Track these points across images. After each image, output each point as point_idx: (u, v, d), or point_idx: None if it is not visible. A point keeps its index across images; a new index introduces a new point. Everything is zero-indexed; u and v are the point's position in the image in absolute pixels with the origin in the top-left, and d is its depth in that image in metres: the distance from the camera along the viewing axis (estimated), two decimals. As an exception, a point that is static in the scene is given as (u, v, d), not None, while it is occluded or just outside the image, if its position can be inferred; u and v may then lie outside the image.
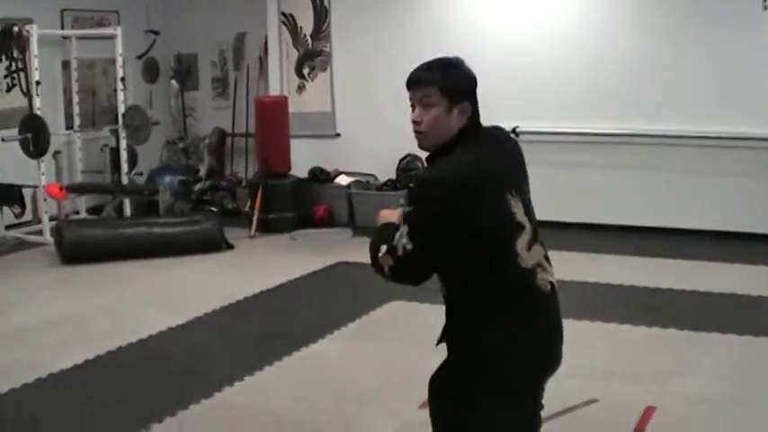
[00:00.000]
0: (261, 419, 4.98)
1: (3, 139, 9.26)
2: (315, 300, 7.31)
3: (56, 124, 10.16)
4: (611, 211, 9.42)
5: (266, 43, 11.18)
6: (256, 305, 7.28)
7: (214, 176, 11.49)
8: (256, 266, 8.55)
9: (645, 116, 9.12)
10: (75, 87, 10.56)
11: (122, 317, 6.94)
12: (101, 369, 5.81)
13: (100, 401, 5.27)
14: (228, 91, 12.03)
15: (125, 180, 10.44)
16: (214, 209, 10.49)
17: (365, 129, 10.32)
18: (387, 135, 9.71)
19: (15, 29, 9.46)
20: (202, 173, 11.47)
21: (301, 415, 5.02)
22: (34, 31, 9.30)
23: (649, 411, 4.85)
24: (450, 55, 3.12)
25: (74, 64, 10.52)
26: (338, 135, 10.72)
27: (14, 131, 9.40)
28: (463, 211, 2.85)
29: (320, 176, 10.52)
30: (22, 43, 9.44)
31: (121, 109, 10.29)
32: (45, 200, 9.46)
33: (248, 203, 10.47)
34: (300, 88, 10.92)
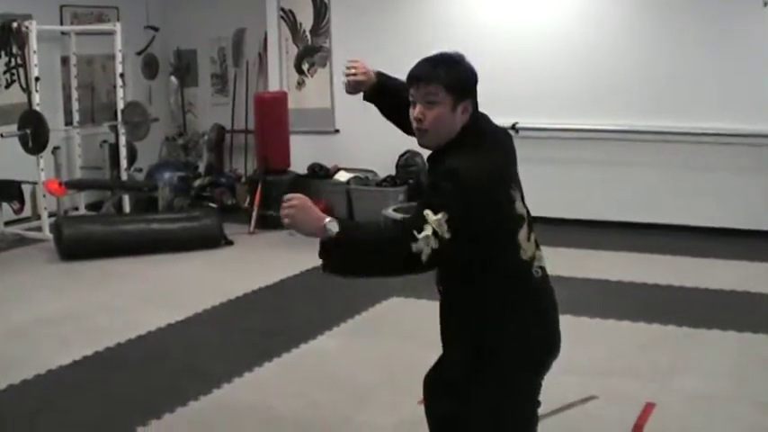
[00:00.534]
0: (260, 416, 4.98)
1: (2, 135, 9.25)
2: (314, 296, 7.30)
3: (55, 120, 10.15)
4: (611, 208, 9.42)
5: (266, 39, 11.17)
6: (256, 301, 7.28)
7: (213, 173, 11.48)
8: (255, 263, 8.55)
9: (644, 113, 9.11)
10: (74, 83, 10.55)
11: (121, 313, 6.94)
12: (100, 365, 5.81)
13: (99, 398, 5.27)
14: (228, 87, 12.02)
15: (124, 176, 10.43)
16: (213, 205, 10.48)
17: (364, 125, 10.20)
18: (386, 131, 9.55)
19: (15, 24, 9.46)
20: (202, 169, 11.47)
21: (300, 411, 5.02)
22: (33, 27, 9.29)
23: (649, 408, 4.85)
24: (450, 50, 3.05)
25: (73, 60, 10.51)
26: (337, 131, 10.71)
27: (14, 127, 9.39)
28: (494, 202, 2.87)
29: (319, 173, 10.51)
30: (22, 39, 9.43)
31: (121, 105, 10.28)
32: (44, 196, 9.46)
33: (247, 200, 10.47)
34: (300, 84, 10.91)
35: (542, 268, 3.02)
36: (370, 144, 10.17)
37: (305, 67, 10.86)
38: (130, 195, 10.35)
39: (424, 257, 2.68)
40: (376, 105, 3.62)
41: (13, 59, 9.99)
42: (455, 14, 9.80)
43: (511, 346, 2.93)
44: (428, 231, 2.68)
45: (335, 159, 10.54)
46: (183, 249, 8.79)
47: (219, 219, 9.31)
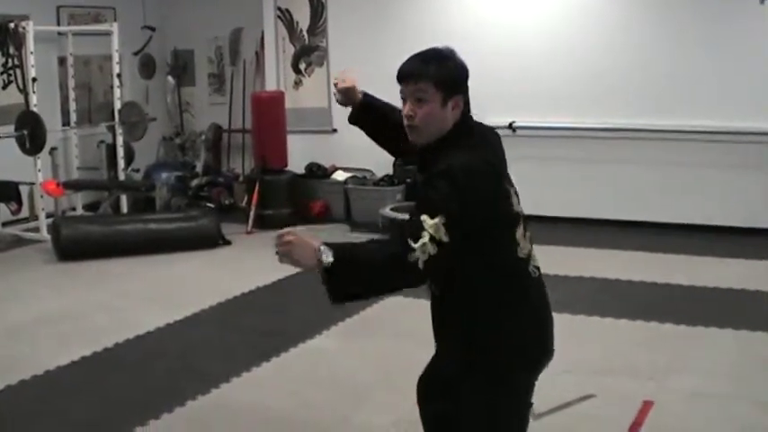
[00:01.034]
0: (258, 416, 4.99)
1: (-1, 136, 9.26)
2: (311, 296, 7.22)
3: (52, 121, 10.14)
4: (609, 206, 9.42)
5: (262, 39, 11.17)
6: (253, 301, 7.28)
7: (211, 172, 11.47)
8: (253, 262, 8.54)
9: (643, 111, 9.12)
10: (71, 84, 10.54)
11: (119, 313, 6.94)
12: (98, 366, 5.82)
13: (97, 398, 5.27)
14: (225, 87, 12.01)
15: (122, 176, 10.42)
16: (211, 205, 10.48)
17: (362, 124, 10.29)
18: (383, 130, 9.69)
19: (11, 25, 9.46)
20: (199, 169, 11.45)
21: (298, 411, 5.03)
22: (30, 28, 9.29)
23: (647, 406, 4.85)
24: (440, 45, 3.01)
25: (70, 60, 10.50)
26: (335, 131, 10.72)
27: (11, 128, 9.39)
28: (493, 200, 2.85)
29: (317, 172, 10.51)
30: (19, 39, 9.44)
31: (118, 105, 10.29)
32: (42, 196, 9.46)
33: (245, 199, 10.47)
34: (297, 84, 10.92)
35: (537, 268, 3.00)
36: (367, 143, 9.95)
37: (302, 66, 10.87)
38: (128, 195, 10.35)
39: (420, 265, 2.64)
40: (360, 126, 3.71)
41: (9, 60, 10.00)
42: (452, 13, 9.80)
43: (507, 344, 2.92)
44: (425, 239, 2.64)
45: (333, 159, 10.54)
46: (180, 249, 8.79)
47: (217, 218, 9.31)
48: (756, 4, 8.51)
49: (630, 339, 6.05)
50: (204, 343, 6.29)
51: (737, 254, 8.14)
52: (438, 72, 2.88)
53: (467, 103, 2.95)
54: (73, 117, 10.62)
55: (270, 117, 10.29)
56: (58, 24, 10.72)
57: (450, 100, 2.89)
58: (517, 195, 2.97)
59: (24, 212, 9.93)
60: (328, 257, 2.70)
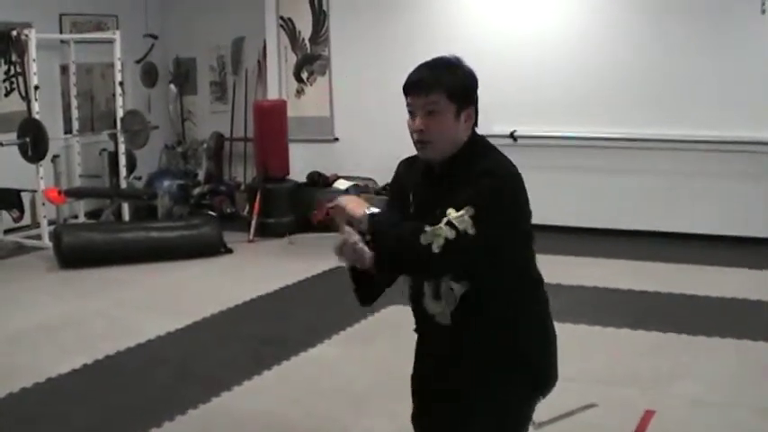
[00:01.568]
0: (260, 424, 4.99)
1: (1, 144, 9.26)
2: (313, 304, 7.30)
3: (54, 128, 10.15)
4: (611, 216, 9.42)
5: (265, 47, 11.18)
6: (255, 309, 7.28)
7: (213, 181, 11.48)
8: (255, 271, 8.55)
9: (644, 120, 9.12)
10: (73, 92, 10.56)
11: (121, 321, 6.94)
12: (99, 373, 5.81)
13: (98, 406, 5.27)
14: (227, 95, 12.03)
15: (124, 184, 10.43)
16: (213, 213, 10.48)
17: (364, 133, 10.32)
18: (385, 139, 9.68)
19: (14, 33, 9.47)
20: (201, 177, 11.47)
21: (300, 419, 5.03)
22: (33, 36, 9.31)
23: (648, 415, 4.85)
24: (446, 54, 2.87)
25: (72, 68, 10.52)
26: (337, 139, 10.72)
27: (13, 136, 9.39)
28: (526, 207, 2.77)
29: (319, 181, 10.51)
30: (21, 47, 9.45)
31: (120, 113, 10.29)
32: (44, 204, 9.47)
33: (247, 208, 10.48)
34: (299, 92, 10.92)
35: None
36: (369, 152, 10.18)
37: (304, 75, 10.87)
38: (130, 203, 10.35)
39: (435, 248, 2.55)
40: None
41: (12, 68, 10.01)
42: (454, 22, 9.81)
43: (541, 361, 2.89)
44: (441, 224, 2.57)
45: (335, 167, 10.54)
46: (182, 257, 8.79)
47: (219, 227, 9.31)
48: (758, 13, 8.53)
49: (632, 348, 6.05)
50: (205, 351, 6.28)
51: (739, 263, 8.14)
52: (450, 82, 2.74)
53: (476, 114, 2.82)
54: (75, 125, 10.64)
55: (272, 126, 10.30)
56: (61, 32, 10.73)
57: (462, 112, 2.75)
58: None
59: (26, 220, 9.93)
60: (372, 210, 2.67)
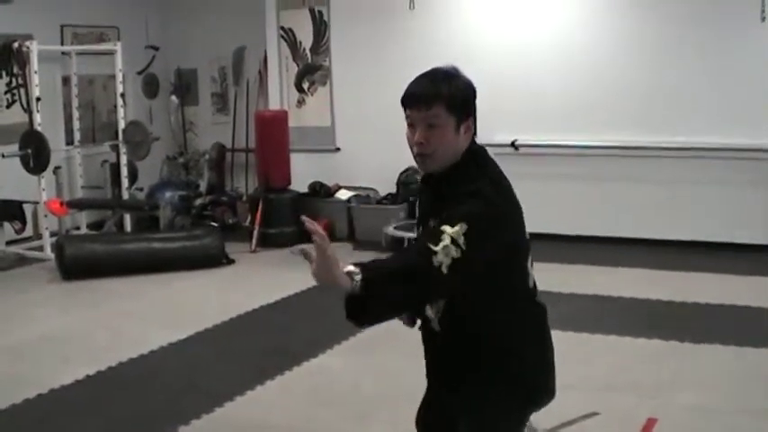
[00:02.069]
0: (262, 434, 4.99)
1: (3, 155, 9.28)
2: (315, 314, 7.29)
3: (56, 140, 10.17)
4: (611, 224, 9.43)
5: (266, 58, 11.20)
6: (257, 320, 7.29)
7: (214, 191, 11.50)
8: (257, 281, 8.55)
9: (644, 129, 9.13)
10: (75, 103, 10.57)
11: (123, 332, 6.95)
12: (102, 384, 5.82)
13: (101, 416, 5.27)
14: (228, 106, 12.05)
15: (125, 195, 10.45)
16: (214, 224, 10.48)
17: (365, 143, 10.33)
18: (387, 149, 9.70)
19: (15, 45, 9.48)
20: (203, 188, 11.48)
21: (302, 429, 5.03)
22: (34, 47, 9.32)
23: (650, 423, 4.85)
24: (444, 65, 2.86)
25: (74, 80, 10.53)
26: (338, 149, 10.73)
27: (15, 147, 9.41)
28: (515, 223, 2.78)
29: (320, 191, 10.52)
30: (23, 59, 9.45)
31: (121, 124, 10.31)
32: (45, 215, 9.47)
33: (248, 218, 10.49)
34: (300, 102, 10.94)
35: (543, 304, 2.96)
36: (370, 162, 10.20)
37: (305, 85, 10.89)
38: (132, 214, 10.36)
39: (444, 269, 2.51)
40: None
41: (14, 79, 10.02)
42: (454, 32, 9.82)
43: (532, 373, 2.88)
44: (446, 241, 2.54)
45: (336, 177, 10.55)
46: (184, 268, 8.80)
47: (221, 237, 9.31)
48: (757, 21, 8.54)
49: (634, 356, 6.05)
50: (208, 362, 6.29)
51: (740, 271, 8.14)
52: (450, 94, 2.74)
53: (475, 124, 2.83)
54: (77, 136, 10.66)
55: (273, 136, 10.31)
56: (62, 44, 10.76)
57: (462, 124, 2.77)
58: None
59: (28, 231, 9.93)
60: (356, 271, 2.51)
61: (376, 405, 5.32)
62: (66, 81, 10.74)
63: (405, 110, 2.80)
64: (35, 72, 9.32)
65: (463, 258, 2.55)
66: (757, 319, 6.79)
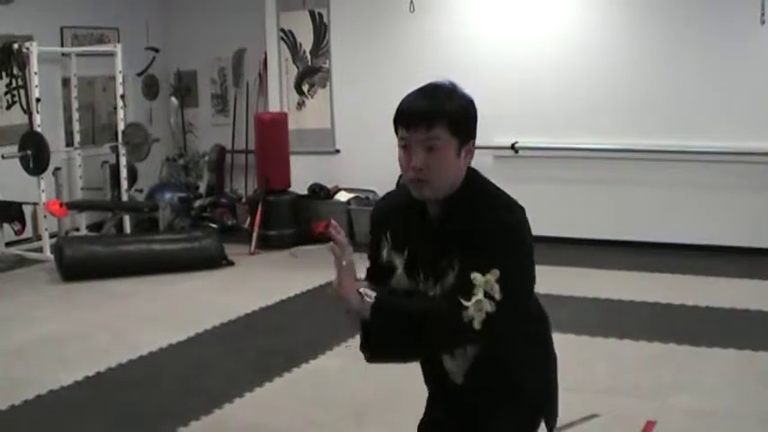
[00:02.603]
0: (261, 436, 4.99)
1: (3, 156, 9.28)
2: (315, 316, 7.29)
3: (56, 141, 10.17)
4: (612, 227, 9.43)
5: (265, 60, 11.20)
6: (256, 321, 7.28)
7: (214, 193, 11.50)
8: (256, 283, 8.55)
9: (645, 131, 9.14)
10: (75, 104, 10.57)
11: (123, 333, 6.95)
12: (101, 385, 5.81)
13: (100, 418, 5.27)
14: (228, 107, 12.05)
15: (125, 197, 10.45)
16: (214, 225, 10.48)
17: (365, 145, 10.32)
18: (386, 151, 9.60)
19: (15, 46, 9.49)
20: (202, 189, 11.48)
21: (302, 431, 5.02)
22: (34, 49, 9.33)
23: (649, 426, 4.85)
24: (440, 80, 2.60)
25: (74, 81, 10.53)
26: (338, 151, 10.73)
27: (14, 148, 9.41)
28: (532, 248, 2.60)
29: (320, 193, 10.52)
30: (22, 60, 9.46)
31: (121, 126, 10.31)
32: (45, 217, 9.47)
33: (248, 220, 10.49)
34: (300, 105, 10.93)
35: None
36: (370, 164, 10.19)
37: (305, 87, 10.89)
38: (131, 216, 10.36)
39: (476, 324, 2.38)
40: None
41: (13, 81, 10.02)
42: (455, 34, 9.82)
43: (540, 393, 2.82)
44: (479, 295, 2.38)
45: (336, 179, 10.55)
46: (183, 270, 8.79)
47: (220, 239, 9.32)
48: (758, 24, 8.54)
49: (634, 359, 6.04)
50: (207, 363, 6.28)
51: (741, 274, 8.14)
52: (453, 113, 2.50)
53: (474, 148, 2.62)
54: (76, 137, 10.66)
55: (273, 138, 10.31)
56: (62, 45, 10.76)
57: (464, 147, 2.54)
58: None
59: (28, 232, 9.93)
60: (371, 294, 2.45)
61: (375, 407, 5.32)
62: (66, 82, 10.74)
63: (398, 130, 2.57)
64: (35, 73, 9.33)
65: (498, 311, 2.41)
66: (757, 323, 6.79)
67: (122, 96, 10.28)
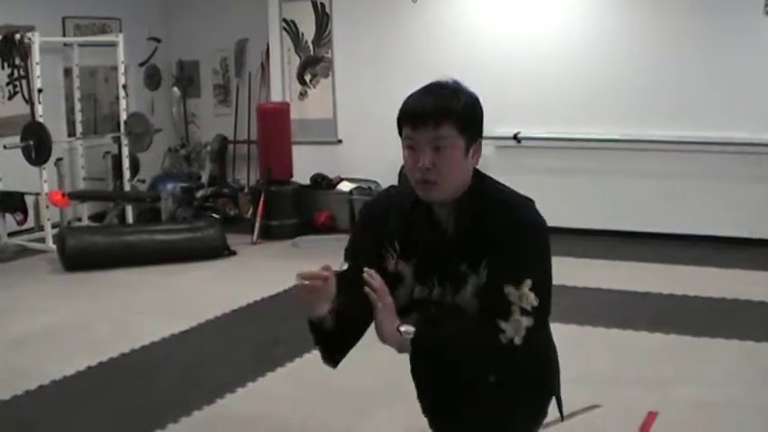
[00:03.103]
0: (263, 426, 4.99)
1: (5, 147, 9.28)
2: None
3: (58, 131, 10.16)
4: (614, 217, 9.43)
5: (268, 50, 11.19)
6: (259, 312, 7.29)
7: (216, 183, 11.50)
8: (258, 273, 8.56)
9: (647, 122, 9.13)
10: (77, 95, 10.56)
11: (124, 323, 6.95)
12: (103, 376, 5.82)
13: (103, 408, 5.27)
14: (230, 98, 12.05)
15: (127, 187, 10.45)
16: (216, 216, 10.48)
17: (367, 135, 10.31)
18: (388, 141, 9.56)
19: (17, 36, 9.47)
20: (204, 180, 11.48)
21: (304, 421, 5.03)
22: (36, 39, 9.32)
23: (651, 417, 4.85)
24: (444, 78, 2.54)
25: (76, 71, 10.52)
26: (340, 141, 10.73)
27: (17, 139, 9.41)
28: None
29: (322, 183, 10.52)
30: (24, 50, 9.45)
31: (123, 116, 10.31)
32: (47, 207, 9.47)
33: (250, 210, 10.49)
34: (302, 95, 10.93)
35: None
36: (372, 154, 10.18)
37: (307, 77, 10.88)
38: (133, 206, 10.36)
39: (518, 341, 2.38)
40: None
41: (15, 71, 10.00)
42: (457, 24, 9.80)
43: (555, 382, 2.84)
44: (516, 315, 2.39)
45: (338, 169, 10.55)
46: (186, 260, 8.80)
47: (222, 229, 9.32)
48: (761, 15, 8.53)
49: (636, 350, 6.05)
50: (209, 353, 6.29)
51: (743, 265, 8.13)
52: (461, 112, 2.45)
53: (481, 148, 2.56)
54: (78, 128, 10.64)
55: (275, 128, 10.30)
56: (64, 35, 10.74)
57: (471, 146, 2.49)
58: None
59: (30, 223, 9.93)
60: (410, 331, 2.46)
61: (377, 398, 5.32)
62: (67, 72, 10.72)
63: (402, 130, 2.51)
64: (37, 63, 9.32)
65: (536, 322, 2.42)
66: (760, 314, 6.79)
67: (124, 87, 10.27)
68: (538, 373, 2.74)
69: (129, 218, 10.29)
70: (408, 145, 2.48)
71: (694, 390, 5.27)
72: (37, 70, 9.32)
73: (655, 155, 9.15)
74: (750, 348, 5.98)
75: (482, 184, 2.56)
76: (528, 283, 2.40)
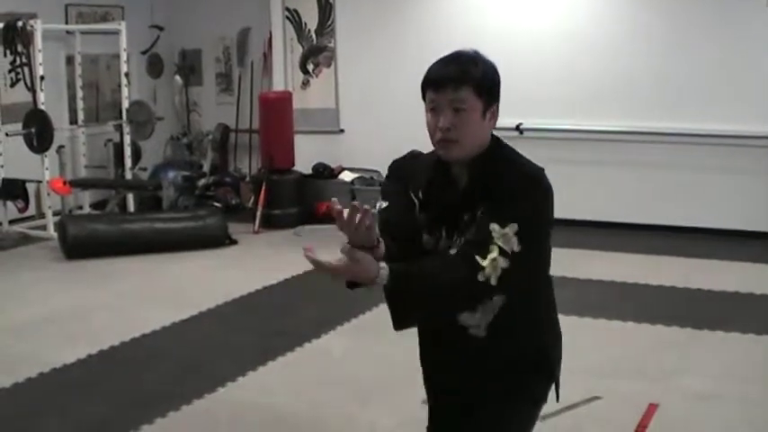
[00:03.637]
0: (264, 415, 4.99)
1: (7, 134, 9.28)
2: (318, 295, 7.28)
3: (60, 119, 10.16)
4: (616, 209, 9.42)
5: (270, 39, 11.17)
6: (260, 301, 7.29)
7: (218, 172, 11.49)
8: (260, 262, 8.55)
9: (649, 114, 9.12)
10: (79, 82, 10.55)
11: (125, 312, 6.95)
12: (104, 363, 5.83)
13: (104, 396, 5.28)
14: (232, 86, 12.03)
15: (129, 175, 10.44)
16: (217, 204, 10.47)
17: (369, 125, 10.31)
18: (391, 131, 9.70)
19: (20, 23, 9.46)
20: (206, 168, 11.47)
21: (305, 410, 5.03)
22: (38, 26, 9.31)
23: (652, 409, 4.85)
24: (465, 49, 2.73)
25: (78, 59, 10.50)
26: (342, 131, 10.72)
27: (18, 126, 9.41)
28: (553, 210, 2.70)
29: (324, 172, 10.52)
30: (27, 38, 9.43)
31: (125, 104, 10.31)
32: (49, 194, 9.47)
33: (252, 199, 10.49)
34: (305, 84, 10.92)
35: None
36: (374, 144, 10.16)
37: (310, 66, 10.87)
38: (135, 194, 10.37)
39: (493, 281, 2.44)
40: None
41: (18, 58, 9.98)
42: (460, 14, 9.79)
43: (554, 360, 2.83)
44: (494, 253, 2.45)
45: (340, 159, 10.54)
46: (187, 248, 8.79)
47: (224, 218, 9.31)
48: (763, 6, 8.51)
49: (637, 342, 6.05)
50: (210, 342, 6.30)
51: (744, 257, 8.13)
52: (479, 77, 2.63)
53: (498, 111, 2.71)
54: (80, 115, 10.64)
55: (277, 117, 10.29)
56: (66, 23, 10.73)
57: (488, 110, 2.65)
58: None
59: (31, 210, 9.92)
60: (384, 273, 2.47)
61: (378, 386, 5.32)
62: (70, 60, 10.72)
63: (425, 94, 2.65)
64: (39, 51, 9.32)
65: (513, 266, 2.46)
66: (761, 306, 6.81)
67: (126, 75, 10.27)
68: (544, 359, 2.80)
69: (131, 206, 10.30)
70: (431, 108, 2.63)
71: (695, 382, 5.27)
72: (39, 58, 9.31)
73: (658, 146, 9.14)
74: (751, 341, 5.98)
75: (499, 147, 2.72)
76: (513, 226, 2.49)
